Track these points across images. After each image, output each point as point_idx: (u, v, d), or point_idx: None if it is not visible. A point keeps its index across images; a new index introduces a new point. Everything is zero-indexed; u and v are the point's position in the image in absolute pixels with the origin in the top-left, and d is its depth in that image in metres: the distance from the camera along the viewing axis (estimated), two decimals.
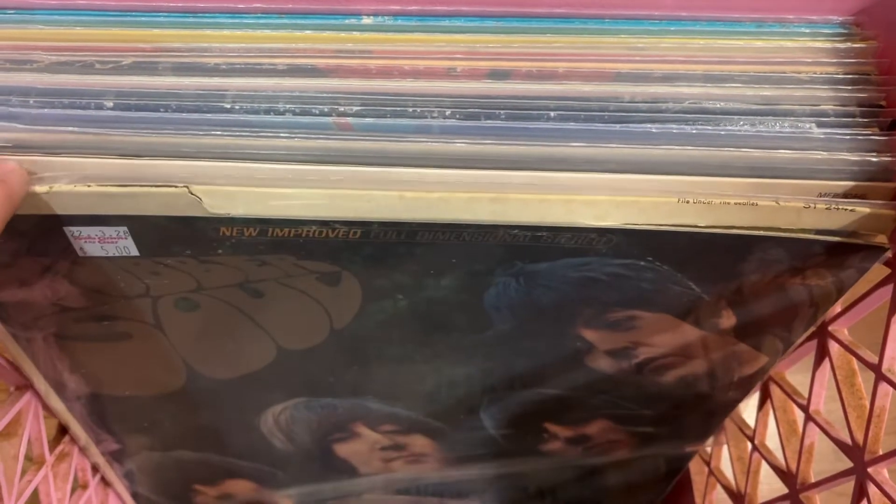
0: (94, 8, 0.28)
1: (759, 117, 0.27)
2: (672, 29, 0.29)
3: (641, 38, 0.28)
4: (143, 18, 0.28)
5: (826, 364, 0.34)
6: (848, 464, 0.32)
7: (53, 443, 0.39)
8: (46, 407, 0.37)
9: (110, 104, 0.26)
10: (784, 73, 0.28)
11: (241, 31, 0.28)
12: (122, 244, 0.27)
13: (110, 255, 0.28)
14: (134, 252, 0.28)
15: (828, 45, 0.28)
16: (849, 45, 0.28)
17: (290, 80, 0.27)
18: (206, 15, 0.28)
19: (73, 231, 0.27)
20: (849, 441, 0.32)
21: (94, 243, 0.27)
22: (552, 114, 0.27)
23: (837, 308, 0.33)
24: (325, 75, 0.27)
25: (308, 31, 0.28)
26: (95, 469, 0.43)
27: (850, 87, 0.28)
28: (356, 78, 0.27)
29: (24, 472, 0.35)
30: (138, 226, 0.27)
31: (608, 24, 0.29)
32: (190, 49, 0.27)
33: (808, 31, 0.29)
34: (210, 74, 0.27)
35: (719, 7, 0.29)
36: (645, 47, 0.28)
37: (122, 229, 0.27)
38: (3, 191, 0.24)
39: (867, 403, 0.31)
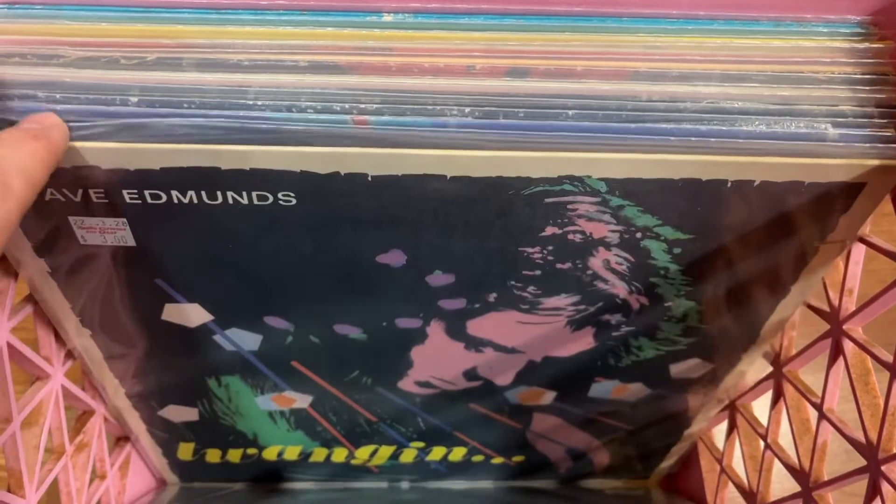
0: (120, 4, 0.28)
1: (775, 117, 0.27)
2: (689, 28, 0.29)
3: (659, 36, 0.29)
4: (166, 14, 0.28)
5: (840, 363, 0.34)
6: (860, 463, 0.32)
7: (73, 433, 0.39)
8: (67, 397, 0.38)
9: (135, 99, 0.26)
10: (802, 72, 0.28)
11: (264, 28, 0.28)
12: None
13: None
14: None
15: (846, 44, 0.29)
16: (867, 45, 0.28)
17: (312, 76, 0.27)
18: (229, 11, 0.28)
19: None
20: (862, 440, 0.32)
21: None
22: (570, 112, 0.27)
23: (852, 306, 0.33)
24: (346, 72, 0.27)
25: (330, 28, 0.28)
26: (116, 455, 0.44)
27: (867, 88, 0.28)
28: (377, 75, 0.27)
29: (43, 462, 0.36)
30: None
31: (626, 23, 0.29)
32: (213, 45, 0.27)
33: (825, 30, 0.29)
34: (233, 70, 0.27)
35: (737, 6, 0.29)
36: (662, 46, 0.28)
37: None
38: (46, 145, 0.24)
39: (881, 402, 0.31)
